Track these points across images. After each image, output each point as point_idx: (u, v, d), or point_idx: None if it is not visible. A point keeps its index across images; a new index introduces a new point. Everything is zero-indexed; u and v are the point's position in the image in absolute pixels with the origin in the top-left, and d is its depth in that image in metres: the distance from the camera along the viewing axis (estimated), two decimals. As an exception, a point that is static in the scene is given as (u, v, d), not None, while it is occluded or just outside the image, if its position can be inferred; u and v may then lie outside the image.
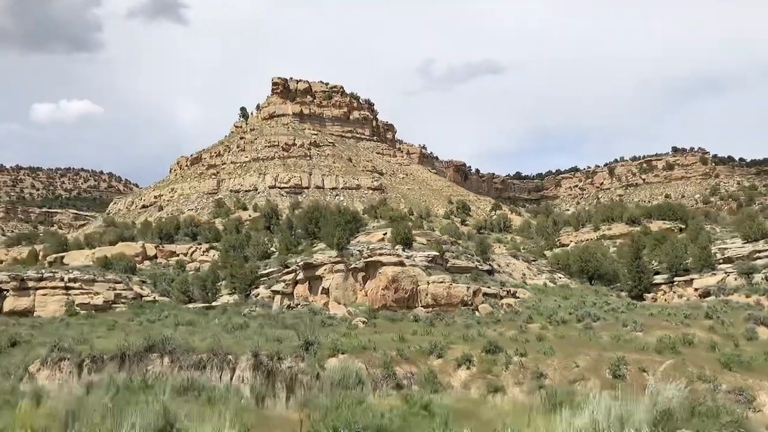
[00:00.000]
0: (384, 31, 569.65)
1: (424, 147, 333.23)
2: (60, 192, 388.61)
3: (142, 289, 67.98)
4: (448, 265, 56.78)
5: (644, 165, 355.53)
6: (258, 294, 62.71)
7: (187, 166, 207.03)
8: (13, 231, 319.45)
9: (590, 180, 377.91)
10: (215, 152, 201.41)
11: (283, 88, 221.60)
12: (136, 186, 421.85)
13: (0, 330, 43.72)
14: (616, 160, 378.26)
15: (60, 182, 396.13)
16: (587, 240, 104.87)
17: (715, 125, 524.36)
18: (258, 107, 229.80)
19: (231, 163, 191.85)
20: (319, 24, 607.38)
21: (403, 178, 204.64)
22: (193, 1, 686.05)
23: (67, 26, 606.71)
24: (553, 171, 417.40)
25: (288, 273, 59.04)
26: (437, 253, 54.71)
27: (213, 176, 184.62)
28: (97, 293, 64.06)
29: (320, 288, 54.83)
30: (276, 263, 65.78)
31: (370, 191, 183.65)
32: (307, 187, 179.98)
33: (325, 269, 54.10)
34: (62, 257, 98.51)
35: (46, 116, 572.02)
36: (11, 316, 61.69)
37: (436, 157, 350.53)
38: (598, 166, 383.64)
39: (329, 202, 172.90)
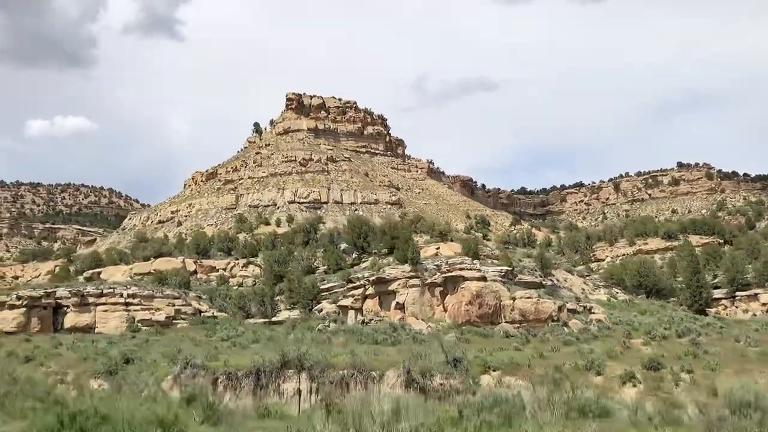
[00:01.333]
0: (378, 47, 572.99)
1: (431, 162, 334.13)
2: (61, 207, 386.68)
3: (199, 304, 67.41)
4: (516, 279, 56.50)
5: (649, 180, 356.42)
6: (321, 309, 62.22)
7: (202, 181, 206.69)
8: (16, 247, 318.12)
9: (596, 195, 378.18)
10: (231, 167, 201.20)
11: (297, 104, 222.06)
12: (136, 202, 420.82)
13: (97, 347, 43.22)
14: (620, 176, 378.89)
15: (60, 198, 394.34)
16: (623, 255, 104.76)
17: (710, 140, 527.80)
18: (272, 122, 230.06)
19: (248, 178, 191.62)
20: (313, 41, 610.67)
21: (419, 193, 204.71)
22: (189, 18, 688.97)
23: (61, 42, 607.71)
24: (558, 186, 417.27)
25: (356, 288, 58.63)
26: (509, 268, 54.46)
27: (231, 191, 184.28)
28: (158, 309, 63.46)
29: (393, 303, 54.45)
30: (339, 278, 65.35)
31: (388, 206, 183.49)
32: (326, 202, 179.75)
33: (399, 284, 53.74)
34: (99, 273, 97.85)
35: (40, 132, 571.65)
36: (72, 333, 61.11)
37: (443, 172, 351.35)
38: (603, 182, 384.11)
39: (348, 217, 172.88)
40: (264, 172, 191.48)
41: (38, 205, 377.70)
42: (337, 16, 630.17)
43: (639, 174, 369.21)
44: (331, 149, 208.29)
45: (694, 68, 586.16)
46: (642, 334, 41.41)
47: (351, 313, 56.00)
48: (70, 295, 62.97)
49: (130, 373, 33.88)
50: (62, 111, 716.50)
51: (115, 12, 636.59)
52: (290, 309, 66.63)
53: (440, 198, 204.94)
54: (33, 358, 37.14)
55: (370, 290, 57.12)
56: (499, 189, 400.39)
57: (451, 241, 78.89)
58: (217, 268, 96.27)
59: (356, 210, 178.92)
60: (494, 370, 27.09)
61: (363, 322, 54.08)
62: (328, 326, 53.82)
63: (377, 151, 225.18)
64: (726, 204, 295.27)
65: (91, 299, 63.11)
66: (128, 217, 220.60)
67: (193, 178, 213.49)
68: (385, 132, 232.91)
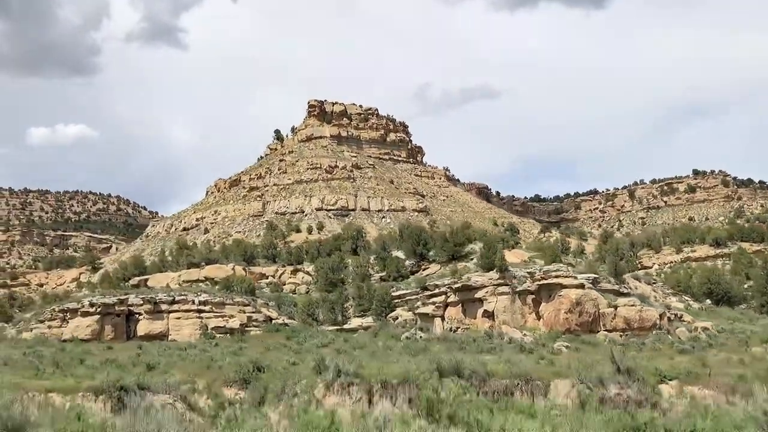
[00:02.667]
0: (380, 56, 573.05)
1: (447, 169, 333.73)
2: (69, 215, 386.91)
3: (269, 311, 66.66)
4: (598, 286, 55.68)
5: (665, 187, 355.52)
6: (398, 317, 61.42)
7: (226, 188, 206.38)
8: (29, 254, 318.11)
9: (610, 203, 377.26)
10: (255, 174, 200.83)
11: (319, 111, 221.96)
12: (144, 209, 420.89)
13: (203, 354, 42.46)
14: (635, 183, 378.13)
15: (69, 205, 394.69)
16: (671, 263, 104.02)
17: (715, 147, 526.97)
18: (293, 129, 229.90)
19: (273, 185, 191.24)
20: (314, 49, 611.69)
21: (444, 200, 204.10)
22: (191, 26, 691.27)
23: (64, 50, 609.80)
24: (572, 194, 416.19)
25: (436, 295, 57.87)
26: (596, 275, 53.74)
27: (258, 198, 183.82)
28: (231, 316, 62.74)
29: (479, 311, 53.65)
30: (412, 285, 64.64)
31: (416, 213, 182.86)
32: (354, 209, 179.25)
33: (487, 292, 52.98)
34: (145, 280, 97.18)
35: (42, 140, 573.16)
36: (146, 341, 60.39)
37: (458, 180, 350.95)
38: (617, 189, 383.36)
39: (376, 224, 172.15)
40: (289, 179, 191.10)
41: (46, 213, 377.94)
42: (338, 25, 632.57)
43: (654, 181, 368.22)
44: (355, 156, 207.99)
45: (696, 75, 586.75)
46: (760, 342, 40.62)
47: (437, 321, 55.18)
48: (142, 302, 62.28)
49: (267, 380, 33.06)
50: (64, 119, 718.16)
51: (118, 20, 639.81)
52: (361, 316, 65.89)
53: (465, 205, 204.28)
54: (154, 366, 36.34)
55: (453, 298, 56.33)
56: (513, 196, 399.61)
57: (513, 248, 78.22)
58: (266, 275, 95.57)
59: (384, 218, 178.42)
60: (669, 380, 26.23)
61: (450, 330, 53.31)
62: (415, 334, 53.05)
63: (400, 158, 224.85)
64: (744, 211, 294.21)
65: (163, 306, 62.41)
66: (151, 225, 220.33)
67: (216, 185, 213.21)
68: (408, 139, 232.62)
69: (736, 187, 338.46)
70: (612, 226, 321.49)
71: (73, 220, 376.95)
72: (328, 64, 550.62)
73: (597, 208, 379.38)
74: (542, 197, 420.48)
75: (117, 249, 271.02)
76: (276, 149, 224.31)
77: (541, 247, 76.43)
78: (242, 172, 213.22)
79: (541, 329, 49.52)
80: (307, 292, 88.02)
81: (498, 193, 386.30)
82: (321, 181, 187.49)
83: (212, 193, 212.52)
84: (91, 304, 61.00)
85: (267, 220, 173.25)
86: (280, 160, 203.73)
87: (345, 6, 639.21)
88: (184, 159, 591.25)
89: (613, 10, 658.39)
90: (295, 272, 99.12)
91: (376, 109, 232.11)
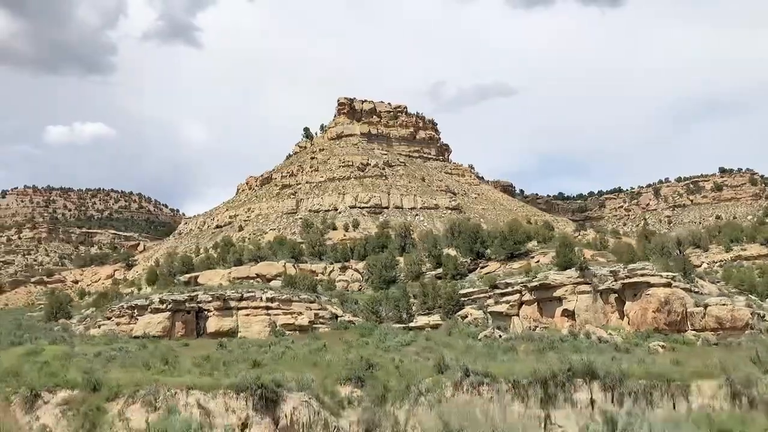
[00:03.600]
0: (395, 53, 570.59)
1: (472, 167, 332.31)
2: (92, 212, 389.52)
3: (334, 308, 66.47)
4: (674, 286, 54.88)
5: (691, 186, 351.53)
6: (467, 315, 61.00)
7: (257, 186, 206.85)
8: (55, 251, 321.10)
9: (635, 201, 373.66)
10: (288, 172, 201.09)
11: (349, 108, 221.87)
12: (165, 206, 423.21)
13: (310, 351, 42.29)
14: (660, 181, 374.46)
15: (91, 203, 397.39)
16: (721, 261, 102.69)
17: (735, 145, 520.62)
18: (322, 127, 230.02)
19: (306, 182, 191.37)
20: (329, 48, 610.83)
21: (475, 198, 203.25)
22: (207, 25, 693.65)
23: (81, 49, 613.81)
24: (596, 192, 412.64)
25: (509, 293, 57.40)
26: (675, 273, 53.02)
27: (291, 196, 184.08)
28: (300, 313, 62.63)
29: (558, 310, 53.11)
30: (480, 283, 64.21)
31: (449, 211, 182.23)
32: (387, 207, 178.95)
33: (566, 290, 52.44)
34: (196, 277, 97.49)
35: (60, 138, 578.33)
36: (215, 337, 60.40)
37: (482, 177, 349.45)
38: (641, 187, 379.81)
39: (410, 223, 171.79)
40: (322, 176, 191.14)
41: (69, 210, 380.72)
42: (352, 24, 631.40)
43: (679, 179, 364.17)
44: (386, 154, 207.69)
45: (712, 74, 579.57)
46: None
47: (515, 320, 54.67)
48: (211, 299, 62.32)
49: (382, 379, 32.79)
50: (81, 117, 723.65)
51: (134, 19, 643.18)
52: (426, 314, 65.53)
53: (497, 203, 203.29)
54: (260, 363, 36.16)
55: (527, 296, 55.82)
56: (537, 194, 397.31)
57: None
58: (316, 272, 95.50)
59: (417, 215, 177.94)
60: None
61: (529, 329, 52.82)
62: (494, 332, 52.59)
63: (429, 156, 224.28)
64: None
65: (232, 303, 62.41)
66: (183, 222, 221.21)
67: (247, 183, 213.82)
68: (437, 136, 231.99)
69: (764, 185, 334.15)
70: (637, 225, 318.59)
71: (95, 217, 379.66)
72: (343, 63, 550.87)
73: (621, 207, 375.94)
74: (566, 195, 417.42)
75: (144, 246, 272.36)
76: (305, 147, 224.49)
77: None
78: (273, 169, 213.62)
79: (625, 328, 48.88)
80: (359, 290, 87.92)
81: (522, 191, 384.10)
82: (353, 178, 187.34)
83: (243, 190, 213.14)
84: (161, 301, 61.11)
85: (301, 218, 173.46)
86: (312, 158, 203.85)
87: (359, 5, 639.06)
88: (200, 157, 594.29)
89: (628, 8, 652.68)
90: (343, 269, 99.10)
91: (405, 107, 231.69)
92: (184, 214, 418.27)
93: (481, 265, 78.38)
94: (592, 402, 28.59)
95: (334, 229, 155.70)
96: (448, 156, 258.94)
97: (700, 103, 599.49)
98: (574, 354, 42.29)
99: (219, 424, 25.26)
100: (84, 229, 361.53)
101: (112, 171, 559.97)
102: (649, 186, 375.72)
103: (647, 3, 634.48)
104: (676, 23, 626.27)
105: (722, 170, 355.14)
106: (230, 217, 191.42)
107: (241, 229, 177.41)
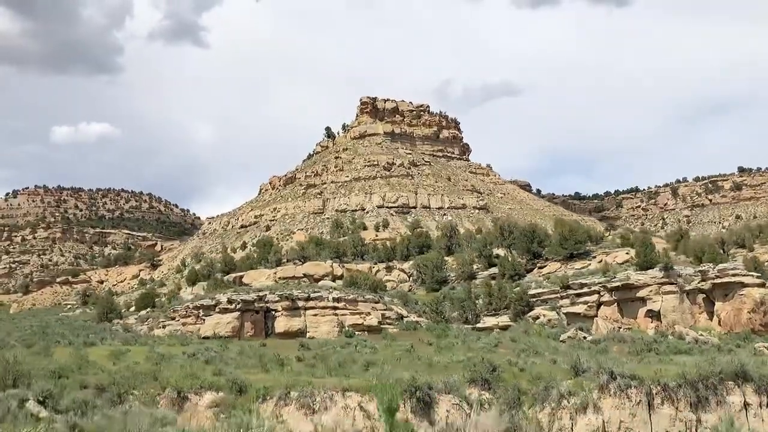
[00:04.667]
0: (401, 52, 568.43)
1: (489, 166, 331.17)
2: (103, 212, 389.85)
3: (398, 309, 65.76)
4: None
5: (709, 185, 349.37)
6: (539, 316, 60.18)
7: (281, 185, 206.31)
8: (70, 251, 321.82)
9: (653, 201, 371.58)
10: (312, 171, 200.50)
11: (371, 108, 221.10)
12: (176, 206, 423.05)
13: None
14: (678, 180, 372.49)
15: (102, 203, 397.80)
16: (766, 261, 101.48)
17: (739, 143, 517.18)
18: (344, 127, 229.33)
19: (332, 182, 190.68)
20: (335, 48, 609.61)
21: (501, 197, 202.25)
22: (213, 25, 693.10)
23: (88, 49, 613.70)
24: (612, 192, 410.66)
25: (586, 294, 56.54)
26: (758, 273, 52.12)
27: (317, 196, 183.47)
28: (368, 314, 61.93)
29: (641, 310, 52.22)
30: (547, 283, 63.37)
31: (476, 211, 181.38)
32: (414, 207, 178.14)
33: (651, 291, 51.54)
34: (240, 276, 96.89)
35: (66, 138, 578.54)
36: (284, 338, 59.76)
37: (499, 177, 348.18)
38: (659, 186, 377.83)
39: (438, 222, 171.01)
40: (347, 176, 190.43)
41: (81, 210, 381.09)
42: (359, 23, 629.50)
43: (698, 179, 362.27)
44: (410, 153, 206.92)
45: (719, 73, 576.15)
46: None
47: (599, 321, 53.72)
48: (279, 299, 61.71)
49: (509, 381, 31.92)
50: (87, 117, 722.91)
51: (140, 19, 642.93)
52: (493, 315, 64.74)
53: (523, 203, 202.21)
54: (373, 363, 35.41)
55: (606, 297, 54.94)
56: (553, 194, 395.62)
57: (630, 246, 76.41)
58: (362, 272, 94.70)
59: (445, 215, 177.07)
60: None
61: (614, 330, 51.92)
62: (577, 334, 51.72)
63: (453, 155, 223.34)
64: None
65: (300, 303, 61.78)
66: (207, 222, 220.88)
67: (270, 183, 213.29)
68: (460, 135, 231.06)
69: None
70: (655, 225, 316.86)
71: (107, 217, 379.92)
72: (349, 62, 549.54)
73: (639, 206, 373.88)
74: (582, 195, 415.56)
75: (162, 246, 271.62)
76: (327, 147, 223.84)
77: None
78: (297, 169, 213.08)
79: (715, 329, 47.95)
80: (410, 290, 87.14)
81: (539, 191, 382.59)
82: (380, 178, 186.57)
83: (266, 190, 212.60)
84: (230, 301, 60.54)
85: (328, 218, 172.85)
86: (336, 158, 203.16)
87: (364, 4, 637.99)
88: (206, 157, 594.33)
89: (635, 8, 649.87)
90: (389, 269, 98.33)
91: (428, 106, 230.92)
92: (194, 214, 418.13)
93: (539, 265, 77.48)
94: (746, 405, 27.70)
95: (365, 229, 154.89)
96: (468, 155, 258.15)
97: (709, 103, 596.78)
98: (676, 355, 41.62)
99: (379, 427, 24.53)
100: (98, 229, 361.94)
101: (118, 171, 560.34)
102: (666, 185, 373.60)
103: (653, 2, 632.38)
104: (685, 21, 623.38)
105: (741, 169, 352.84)
106: (255, 217, 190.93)
107: (268, 228, 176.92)
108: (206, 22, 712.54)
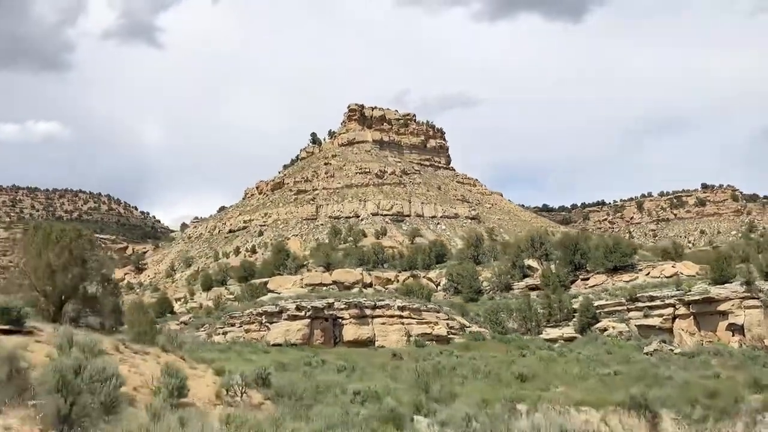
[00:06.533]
0: (359, 61, 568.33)
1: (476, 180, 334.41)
2: (60, 213, 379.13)
3: (461, 318, 65.33)
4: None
5: (674, 200, 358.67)
6: (606, 328, 60.58)
7: (269, 191, 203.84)
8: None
9: (619, 214, 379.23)
10: (302, 177, 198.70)
11: (359, 115, 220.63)
12: (135, 209, 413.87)
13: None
14: (643, 195, 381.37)
15: (60, 203, 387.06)
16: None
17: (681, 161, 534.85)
18: (330, 133, 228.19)
19: (323, 189, 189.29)
20: (289, 55, 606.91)
21: (489, 207, 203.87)
22: (169, 26, 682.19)
23: (38, 46, 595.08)
24: (578, 204, 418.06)
25: (660, 307, 57.18)
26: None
27: (310, 202, 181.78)
28: (436, 323, 61.37)
29: (722, 324, 53.07)
30: (611, 296, 63.84)
31: (468, 221, 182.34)
32: (409, 215, 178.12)
33: (732, 305, 52.48)
34: (265, 283, 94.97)
35: (12, 136, 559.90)
36: (353, 346, 58.74)
37: (485, 187, 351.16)
38: (624, 201, 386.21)
39: (433, 231, 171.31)
40: (339, 183, 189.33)
41: (37, 210, 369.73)
42: (317, 29, 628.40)
43: (662, 194, 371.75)
44: (399, 161, 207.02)
45: (671, 89, 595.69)
46: None
47: (682, 335, 54.35)
48: (347, 307, 60.67)
49: (673, 396, 31.88)
50: (35, 115, 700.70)
51: (94, 17, 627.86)
52: (554, 326, 64.95)
53: (511, 213, 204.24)
54: (526, 377, 34.97)
55: (682, 310, 55.69)
56: (523, 205, 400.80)
57: (676, 258, 77.72)
58: (391, 280, 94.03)
59: (438, 224, 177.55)
60: None
61: (699, 343, 52.66)
62: (661, 347, 52.21)
63: (440, 165, 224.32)
64: (756, 226, 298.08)
65: (367, 312, 60.87)
66: (192, 226, 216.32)
67: (257, 188, 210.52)
68: (447, 145, 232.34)
69: (744, 201, 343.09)
70: (625, 238, 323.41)
71: (64, 218, 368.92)
72: (305, 67, 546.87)
73: (606, 219, 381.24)
74: (549, 207, 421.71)
75: (134, 250, 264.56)
76: (314, 153, 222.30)
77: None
78: (284, 174, 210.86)
79: (804, 344, 49.03)
80: (444, 298, 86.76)
81: (510, 202, 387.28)
82: (372, 185, 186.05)
83: (252, 195, 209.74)
84: (299, 308, 59.21)
85: (322, 224, 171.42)
86: (326, 164, 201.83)
87: (325, 10, 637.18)
88: (156, 158, 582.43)
89: (589, 24, 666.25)
90: (414, 278, 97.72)
91: (414, 115, 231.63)
92: (155, 217, 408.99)
93: (581, 276, 78.07)
94: None
95: (365, 236, 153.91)
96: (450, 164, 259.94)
97: (655, 120, 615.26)
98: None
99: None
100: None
101: (66, 171, 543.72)
102: (631, 199, 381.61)
103: (606, 20, 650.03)
104: (635, 33, 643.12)
105: (704, 186, 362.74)
106: (245, 222, 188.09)
107: (261, 234, 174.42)
108: (162, 22, 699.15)
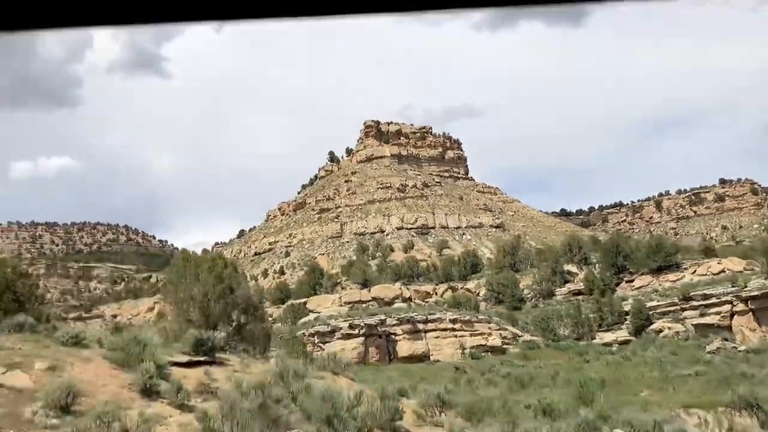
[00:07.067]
0: (361, 79, 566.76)
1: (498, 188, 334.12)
2: (80, 246, 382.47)
3: (512, 328, 65.10)
4: None
5: (693, 198, 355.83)
6: (661, 330, 60.13)
7: (291, 211, 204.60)
8: (55, 287, 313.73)
9: (638, 214, 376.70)
10: (324, 196, 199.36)
11: (376, 131, 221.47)
12: (153, 238, 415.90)
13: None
14: (661, 194, 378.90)
15: (78, 236, 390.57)
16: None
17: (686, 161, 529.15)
18: (348, 151, 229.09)
19: (346, 206, 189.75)
20: (295, 75, 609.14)
21: (512, 215, 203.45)
22: (174, 55, 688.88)
23: (46, 82, 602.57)
24: (596, 207, 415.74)
25: (715, 305, 56.75)
26: None
27: (334, 220, 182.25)
28: (489, 334, 61.17)
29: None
30: (661, 296, 63.45)
31: (493, 230, 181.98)
32: (433, 227, 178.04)
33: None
34: (304, 303, 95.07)
35: (25, 174, 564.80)
36: (407, 362, 58.64)
37: (506, 195, 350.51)
38: (642, 201, 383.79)
39: (459, 242, 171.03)
40: (361, 199, 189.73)
41: (57, 245, 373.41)
42: (320, 52, 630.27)
43: (680, 192, 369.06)
44: (419, 174, 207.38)
45: (677, 88, 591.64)
46: None
47: (745, 332, 53.86)
48: (399, 322, 60.62)
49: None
50: (46, 152, 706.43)
51: (100, 51, 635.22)
52: (607, 330, 64.60)
53: (534, 220, 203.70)
54: (670, 380, 34.60)
55: (740, 307, 55.21)
56: (540, 211, 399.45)
57: (715, 256, 77.28)
58: (429, 293, 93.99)
59: (464, 234, 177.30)
60: None
61: (764, 339, 52.13)
62: (723, 346, 51.71)
63: (459, 175, 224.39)
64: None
65: (420, 326, 60.78)
66: (216, 251, 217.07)
67: (280, 209, 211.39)
68: (464, 155, 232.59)
69: (765, 194, 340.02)
70: (643, 238, 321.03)
71: (84, 251, 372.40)
72: (311, 90, 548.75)
73: (625, 221, 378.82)
74: (567, 210, 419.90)
75: (158, 279, 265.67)
76: (332, 171, 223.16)
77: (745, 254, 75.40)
78: (305, 194, 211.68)
79: None
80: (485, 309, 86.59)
81: (531, 208, 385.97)
82: (394, 200, 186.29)
83: (275, 216, 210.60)
84: (352, 326, 59.23)
85: (348, 241, 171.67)
86: (346, 181, 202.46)
87: (325, 32, 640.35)
88: (168, 186, 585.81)
89: (589, 29, 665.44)
90: (453, 289, 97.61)
91: (431, 127, 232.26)
92: (172, 245, 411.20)
93: (625, 279, 77.69)
94: None
95: (392, 251, 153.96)
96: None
97: (663, 119, 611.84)
98: None
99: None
100: (81, 264, 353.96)
101: (83, 204, 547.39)
102: (649, 199, 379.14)
103: (606, 25, 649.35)
104: (638, 33, 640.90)
105: (722, 181, 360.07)
106: (270, 243, 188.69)
107: (287, 254, 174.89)
108: (167, 52, 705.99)
